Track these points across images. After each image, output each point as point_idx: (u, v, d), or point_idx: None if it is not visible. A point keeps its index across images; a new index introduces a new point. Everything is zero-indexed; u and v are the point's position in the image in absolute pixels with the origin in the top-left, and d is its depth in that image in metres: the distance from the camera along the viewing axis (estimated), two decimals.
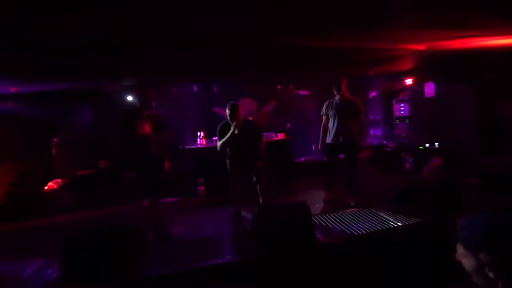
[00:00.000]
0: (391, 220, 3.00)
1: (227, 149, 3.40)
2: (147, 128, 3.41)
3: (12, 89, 4.54)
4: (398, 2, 2.24)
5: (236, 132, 3.21)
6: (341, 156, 3.83)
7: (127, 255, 2.28)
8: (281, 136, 5.53)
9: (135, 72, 4.45)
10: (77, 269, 2.09)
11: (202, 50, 3.34)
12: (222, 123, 3.45)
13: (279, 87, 6.63)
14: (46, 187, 4.72)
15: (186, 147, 5.20)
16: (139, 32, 2.61)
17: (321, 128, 3.83)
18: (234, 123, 3.23)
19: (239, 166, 3.42)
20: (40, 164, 5.15)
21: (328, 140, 3.72)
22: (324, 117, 3.82)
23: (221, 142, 3.32)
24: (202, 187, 4.96)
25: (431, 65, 5.21)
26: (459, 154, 4.76)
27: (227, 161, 3.48)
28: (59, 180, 4.91)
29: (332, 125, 3.68)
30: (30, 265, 2.63)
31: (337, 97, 3.68)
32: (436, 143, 5.35)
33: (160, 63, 3.98)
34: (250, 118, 3.76)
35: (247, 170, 3.44)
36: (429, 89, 5.60)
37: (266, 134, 5.59)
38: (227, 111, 3.33)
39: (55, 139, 5.33)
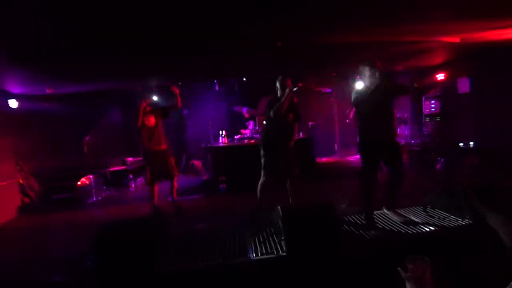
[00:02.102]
0: (422, 224, 2.84)
1: (269, 130, 3.29)
2: (152, 121, 3.78)
3: (49, 91, 4.87)
4: None
5: (295, 89, 3.10)
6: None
7: (155, 248, 2.34)
8: (302, 135, 5.44)
9: (162, 72, 4.59)
10: (111, 259, 2.19)
11: (225, 49, 3.37)
12: (270, 99, 3.29)
13: (300, 84, 6.52)
14: (79, 182, 5.01)
15: (209, 145, 5.28)
16: (167, 33, 2.68)
17: None
18: (289, 88, 3.10)
19: (274, 150, 3.27)
20: (74, 160, 5.48)
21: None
22: None
23: (280, 103, 3.11)
24: (224, 185, 5.01)
25: (467, 59, 4.86)
26: (497, 154, 4.41)
27: (262, 151, 3.33)
28: (91, 176, 5.19)
29: None
30: (65, 254, 2.80)
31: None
32: (471, 142, 4.99)
33: (185, 64, 4.07)
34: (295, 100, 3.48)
35: (281, 157, 3.28)
36: (463, 84, 5.23)
37: None
38: (277, 85, 3.24)
39: (87, 137, 5.64)
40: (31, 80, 4.32)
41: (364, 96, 2.80)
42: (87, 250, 2.51)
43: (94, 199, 4.99)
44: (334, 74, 5.93)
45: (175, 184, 3.94)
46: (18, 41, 2.67)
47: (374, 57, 2.61)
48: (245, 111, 6.01)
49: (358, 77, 2.93)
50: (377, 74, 2.70)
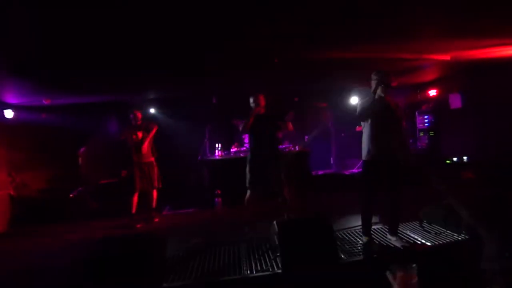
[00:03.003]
0: (419, 239, 2.82)
1: (252, 145, 3.41)
2: (140, 136, 4.03)
3: (46, 102, 4.87)
4: (423, 12, 2.20)
5: (259, 107, 3.29)
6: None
7: (151, 263, 2.28)
8: (298, 148, 5.46)
9: (159, 85, 4.64)
10: (103, 274, 2.12)
11: (222, 64, 3.44)
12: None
13: (296, 99, 6.62)
14: (71, 195, 4.91)
15: (205, 158, 5.26)
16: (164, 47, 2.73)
17: None
18: (256, 104, 3.31)
19: (259, 166, 3.31)
20: (68, 172, 5.40)
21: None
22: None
23: (245, 121, 3.30)
24: (219, 199, 4.95)
25: (458, 76, 5.00)
26: (492, 168, 4.46)
27: (248, 167, 3.37)
28: (84, 188, 5.10)
29: None
30: (56, 269, 2.71)
31: None
32: (465, 157, 5.05)
33: (182, 77, 4.13)
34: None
35: (267, 172, 3.30)
36: (455, 100, 5.35)
37: (283, 146, 5.55)
38: (251, 100, 3.40)
39: (83, 149, 5.59)
40: (28, 91, 4.33)
41: (369, 109, 2.60)
42: (79, 265, 2.44)
43: (86, 211, 4.88)
44: (329, 88, 6.04)
45: (155, 195, 4.16)
46: (17, 53, 2.70)
47: (366, 72, 2.64)
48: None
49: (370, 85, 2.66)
50: (383, 87, 2.55)
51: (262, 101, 3.37)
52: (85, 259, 2.23)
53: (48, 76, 3.53)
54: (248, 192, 3.37)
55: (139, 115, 4.14)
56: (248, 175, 3.36)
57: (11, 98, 4.68)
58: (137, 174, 4.01)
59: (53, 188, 5.11)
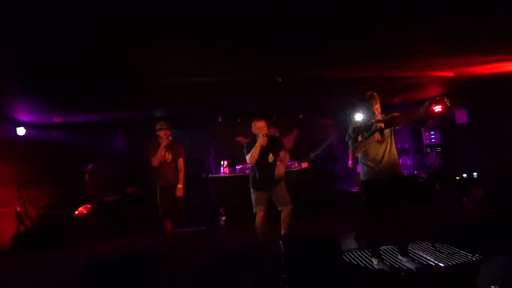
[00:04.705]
0: (431, 259, 2.71)
1: (254, 171, 3.33)
2: (167, 156, 3.60)
3: (57, 120, 5.00)
4: (425, 32, 2.25)
5: (265, 134, 3.15)
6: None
7: (149, 285, 2.23)
8: (304, 165, 5.42)
9: (167, 104, 4.74)
10: None
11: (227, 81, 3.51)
12: (249, 140, 3.38)
13: (301, 116, 6.66)
14: (76, 212, 4.91)
15: (210, 175, 5.25)
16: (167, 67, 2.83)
17: None
18: (263, 133, 3.17)
19: (263, 190, 3.28)
20: (74, 189, 5.42)
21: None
22: None
23: (251, 152, 3.17)
24: (224, 217, 4.88)
25: (463, 91, 5.01)
26: (502, 184, 4.34)
27: (253, 193, 3.35)
28: (89, 206, 5.09)
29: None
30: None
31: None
32: (475, 173, 4.93)
33: (189, 95, 4.23)
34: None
35: (271, 192, 3.27)
36: (461, 115, 5.31)
37: (289, 163, 5.52)
38: (253, 127, 3.27)
39: (90, 166, 5.64)
40: (41, 109, 4.47)
41: (362, 132, 2.61)
42: (80, 284, 2.39)
43: (90, 229, 4.84)
44: (333, 106, 6.09)
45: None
46: (32, 74, 2.82)
47: (370, 90, 2.62)
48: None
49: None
50: (373, 108, 2.54)
51: (266, 127, 3.22)
52: (86, 278, 2.19)
53: (61, 96, 3.66)
54: (257, 213, 3.30)
55: (168, 132, 3.60)
56: (254, 202, 3.33)
57: (23, 116, 4.83)
58: (164, 201, 3.55)
59: (59, 204, 5.13)
